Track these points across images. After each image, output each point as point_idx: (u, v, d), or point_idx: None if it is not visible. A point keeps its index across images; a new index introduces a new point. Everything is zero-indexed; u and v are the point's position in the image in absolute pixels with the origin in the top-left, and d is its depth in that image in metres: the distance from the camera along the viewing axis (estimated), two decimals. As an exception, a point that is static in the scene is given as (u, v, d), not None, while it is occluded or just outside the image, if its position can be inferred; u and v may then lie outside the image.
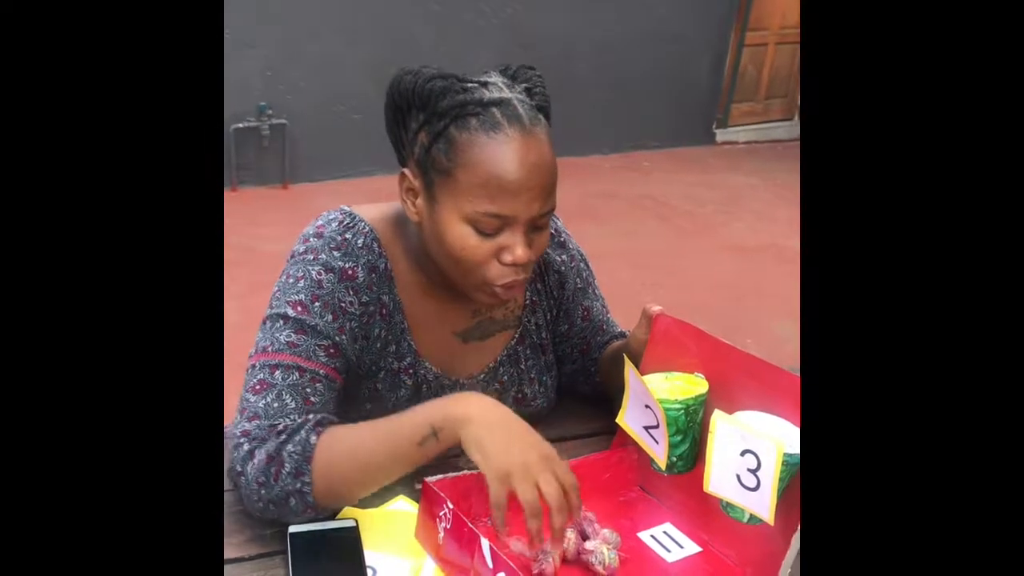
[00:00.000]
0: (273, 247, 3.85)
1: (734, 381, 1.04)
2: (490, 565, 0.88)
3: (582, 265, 1.32)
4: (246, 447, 1.02)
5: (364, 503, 1.09)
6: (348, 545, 1.00)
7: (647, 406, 1.05)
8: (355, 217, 1.15)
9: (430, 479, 1.00)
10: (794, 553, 0.97)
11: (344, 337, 1.10)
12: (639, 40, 6.08)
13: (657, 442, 1.06)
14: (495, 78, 1.07)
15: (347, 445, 1.03)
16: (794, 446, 0.94)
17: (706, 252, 4.58)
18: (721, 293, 4.01)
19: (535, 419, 1.31)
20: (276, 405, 1.04)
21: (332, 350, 1.09)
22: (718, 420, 0.98)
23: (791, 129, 7.25)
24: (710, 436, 0.98)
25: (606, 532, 1.03)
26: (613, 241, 4.45)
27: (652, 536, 1.08)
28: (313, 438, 1.01)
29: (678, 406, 1.04)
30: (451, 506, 0.94)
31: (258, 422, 1.03)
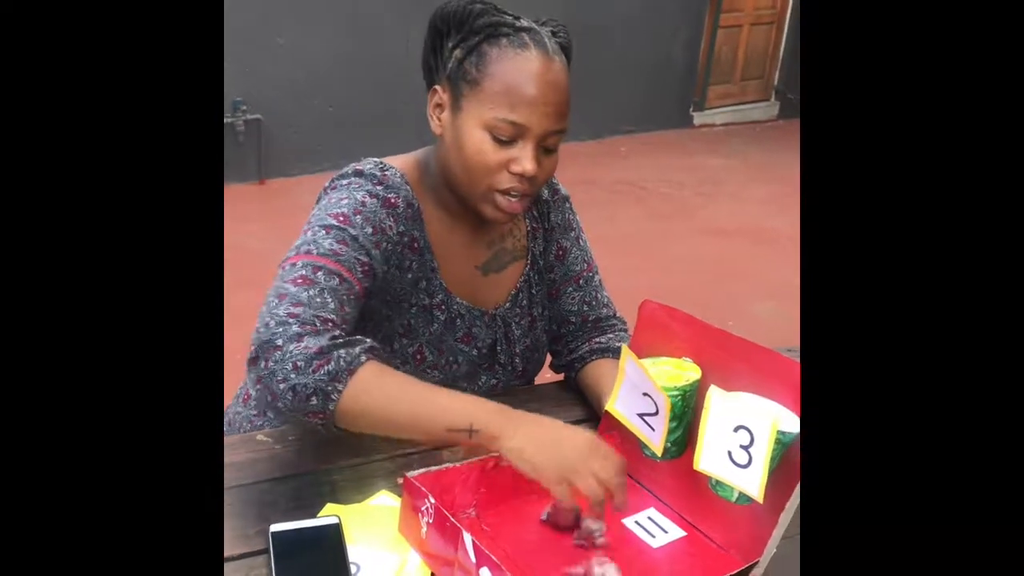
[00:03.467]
0: (254, 244, 3.82)
1: (723, 364, 1.04)
2: (473, 559, 0.87)
3: (567, 204, 1.42)
4: (295, 328, 1.02)
5: (345, 498, 1.08)
6: (331, 542, 0.99)
7: (645, 393, 1.04)
8: (386, 163, 1.24)
9: (411, 473, 0.99)
10: (780, 533, 0.97)
11: (378, 253, 1.17)
12: (614, 25, 6.07)
13: (654, 429, 1.06)
14: (525, 19, 1.18)
15: (388, 385, 1.04)
16: (787, 425, 0.94)
17: (685, 235, 4.59)
18: (701, 276, 4.02)
19: (540, 361, 1.43)
20: (319, 300, 1.06)
21: (367, 268, 1.15)
22: (714, 395, 0.98)
23: (768, 110, 7.27)
24: (704, 412, 0.98)
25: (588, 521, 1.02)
26: (592, 228, 4.40)
27: (636, 522, 1.08)
28: (364, 357, 1.03)
29: (676, 392, 1.04)
30: (433, 500, 0.94)
31: (304, 308, 1.04)
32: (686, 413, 1.06)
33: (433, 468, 1.02)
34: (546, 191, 1.39)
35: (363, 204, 1.17)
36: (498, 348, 1.34)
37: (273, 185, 5.04)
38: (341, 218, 1.15)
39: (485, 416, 1.01)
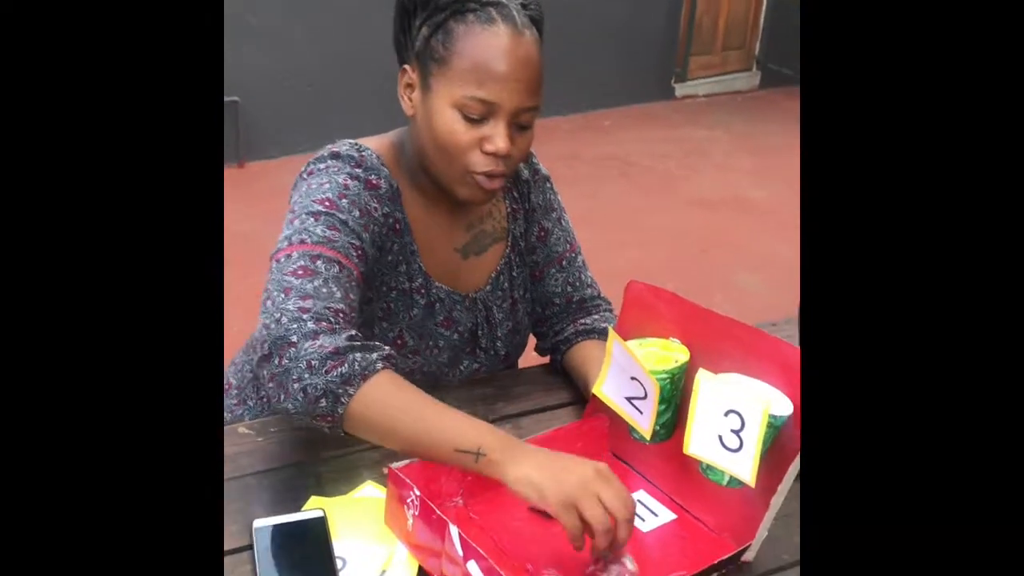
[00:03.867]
0: (235, 227, 3.77)
1: (711, 345, 1.02)
2: (460, 552, 0.86)
3: (547, 185, 1.39)
4: (310, 324, 0.98)
5: (330, 490, 1.06)
6: (316, 536, 0.98)
7: (633, 377, 1.02)
8: (361, 144, 1.21)
9: (395, 464, 0.97)
10: (772, 515, 0.96)
11: (368, 236, 1.14)
12: (592, -3, 6.01)
13: (642, 412, 1.04)
14: None
15: (401, 397, 0.99)
16: (777, 408, 0.93)
17: (670, 208, 4.57)
18: (686, 248, 4.00)
19: (522, 343, 1.40)
20: (325, 291, 1.03)
21: (361, 252, 1.12)
22: (702, 380, 0.96)
23: (749, 80, 7.24)
24: (693, 396, 0.96)
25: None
26: (577, 203, 4.39)
27: (627, 506, 1.06)
28: (380, 364, 0.99)
29: (665, 375, 1.02)
30: (418, 492, 0.92)
31: (314, 301, 1.01)
32: (675, 396, 1.04)
33: (418, 459, 1.00)
34: (526, 171, 1.36)
35: (346, 187, 1.15)
36: (479, 332, 1.32)
37: (253, 168, 4.98)
38: (327, 203, 1.12)
39: (494, 441, 0.95)
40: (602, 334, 1.31)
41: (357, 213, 1.13)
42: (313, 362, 0.96)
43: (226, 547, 0.98)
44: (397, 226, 1.22)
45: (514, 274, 1.35)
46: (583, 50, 6.08)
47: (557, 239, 1.37)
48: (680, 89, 6.87)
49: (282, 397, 0.98)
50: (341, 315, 1.02)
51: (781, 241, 3.96)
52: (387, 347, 1.02)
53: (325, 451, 1.14)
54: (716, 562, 0.94)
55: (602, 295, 1.39)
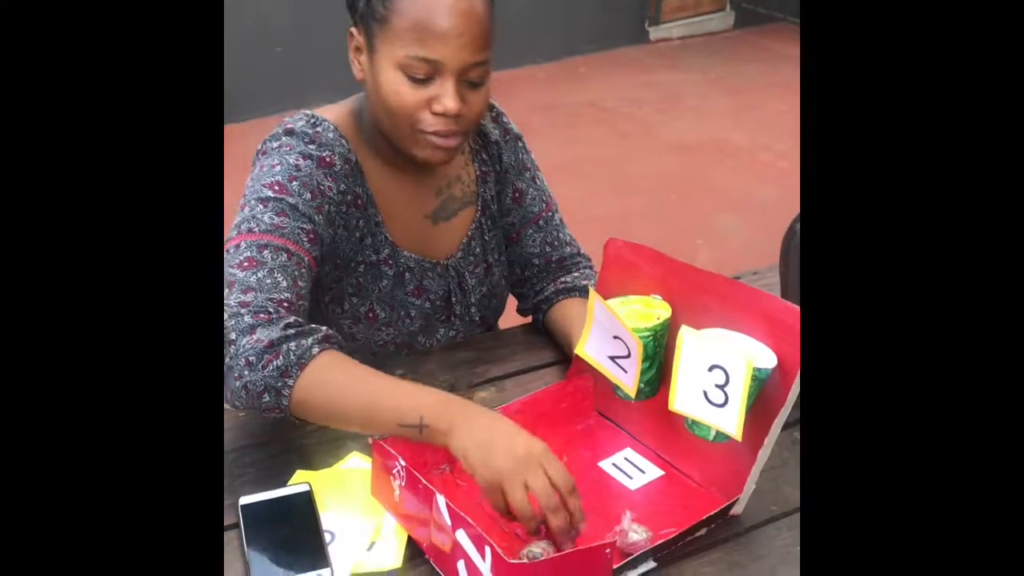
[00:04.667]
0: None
1: (693, 300, 1.01)
2: (448, 521, 0.85)
3: (519, 144, 1.34)
4: (248, 319, 0.99)
5: (315, 463, 1.06)
6: (303, 511, 0.97)
7: (616, 336, 1.01)
8: (318, 116, 1.18)
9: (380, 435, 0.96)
10: (759, 468, 0.95)
11: (321, 218, 1.12)
12: (562, -59, 5.91)
13: (626, 371, 1.03)
14: None
15: (339, 379, 0.99)
16: (761, 361, 0.92)
17: (648, 154, 4.53)
18: (666, 194, 3.98)
19: (499, 307, 1.38)
20: (269, 282, 1.03)
21: (312, 236, 1.10)
22: (685, 336, 0.95)
23: (724, 19, 7.16)
24: (677, 353, 0.96)
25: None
26: (555, 153, 4.37)
27: (613, 464, 1.06)
28: (316, 349, 0.99)
29: (647, 333, 1.01)
30: (403, 463, 0.91)
31: (255, 294, 1.01)
32: (658, 352, 1.03)
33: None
34: (496, 131, 1.32)
35: (298, 168, 1.11)
36: (453, 299, 1.30)
37: (225, 131, 4.91)
38: (277, 187, 1.09)
39: (435, 410, 0.94)
40: (583, 292, 1.30)
41: (308, 195, 1.11)
42: (251, 358, 0.97)
43: (213, 526, 0.97)
44: (359, 201, 1.19)
45: (486, 238, 1.33)
46: (555, -3, 6.00)
47: (532, 199, 1.34)
48: (654, 32, 6.79)
49: (228, 395, 0.99)
50: (284, 305, 1.02)
51: (761, 182, 3.95)
52: (324, 328, 1.02)
53: (309, 424, 1.13)
54: (705, 517, 0.94)
55: (582, 252, 1.38)
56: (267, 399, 0.97)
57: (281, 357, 0.97)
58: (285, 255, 1.06)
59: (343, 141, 1.17)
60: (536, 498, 0.87)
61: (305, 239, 1.09)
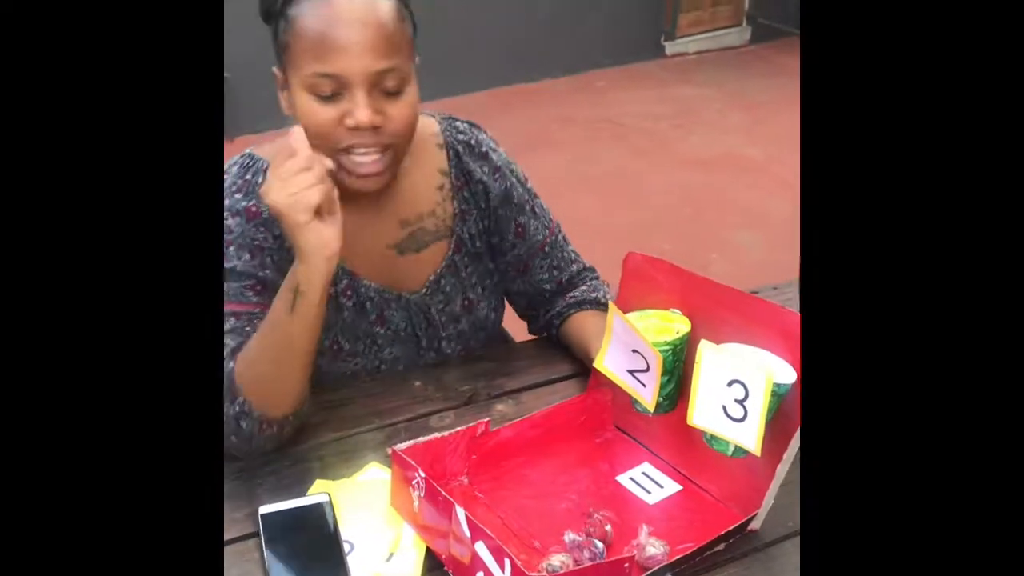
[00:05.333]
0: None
1: (712, 314, 1.01)
2: (467, 533, 0.86)
3: (513, 180, 1.29)
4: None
5: (335, 473, 1.06)
6: (322, 521, 0.98)
7: (635, 350, 1.02)
8: (254, 156, 1.17)
9: (399, 446, 0.97)
10: (777, 484, 0.95)
11: (268, 272, 1.12)
12: (580, -45, 5.94)
13: (645, 385, 1.03)
14: None
15: (252, 352, 1.05)
16: (781, 376, 0.92)
17: (664, 169, 4.54)
18: (682, 209, 3.98)
19: (489, 337, 1.36)
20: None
21: (259, 287, 1.11)
22: (705, 350, 0.95)
23: (740, 35, 7.16)
24: (696, 367, 0.96)
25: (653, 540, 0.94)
26: (572, 167, 4.40)
27: (631, 478, 1.06)
28: (231, 363, 1.05)
29: (666, 347, 1.01)
30: (423, 474, 0.91)
31: None
32: (677, 367, 1.04)
33: (421, 439, 1.00)
34: (480, 168, 1.26)
35: (230, 231, 1.11)
36: (418, 334, 1.28)
37: (243, 143, 4.93)
38: None
39: (292, 276, 1.00)
40: (593, 304, 1.30)
41: (248, 256, 1.11)
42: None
43: (233, 535, 0.98)
44: None
45: (463, 275, 1.28)
46: (573, 11, 6.02)
47: (535, 229, 1.30)
48: (670, 47, 6.81)
49: (242, 453, 1.09)
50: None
51: (776, 198, 3.95)
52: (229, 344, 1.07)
53: (328, 434, 1.14)
54: (723, 532, 0.94)
55: (587, 266, 1.36)
56: (245, 425, 1.05)
57: (225, 396, 1.04)
58: (232, 319, 1.09)
59: None
60: (290, 193, 0.95)
61: (251, 294, 1.11)
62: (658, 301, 1.07)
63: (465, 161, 1.26)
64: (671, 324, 1.04)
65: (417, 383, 1.25)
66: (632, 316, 1.06)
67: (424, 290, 1.26)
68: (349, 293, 1.21)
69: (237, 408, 1.04)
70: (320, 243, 0.97)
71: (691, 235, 3.63)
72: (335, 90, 1.03)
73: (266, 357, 1.04)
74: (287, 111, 1.10)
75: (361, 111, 1.03)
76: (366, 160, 1.07)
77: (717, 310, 1.01)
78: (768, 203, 3.91)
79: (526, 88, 5.61)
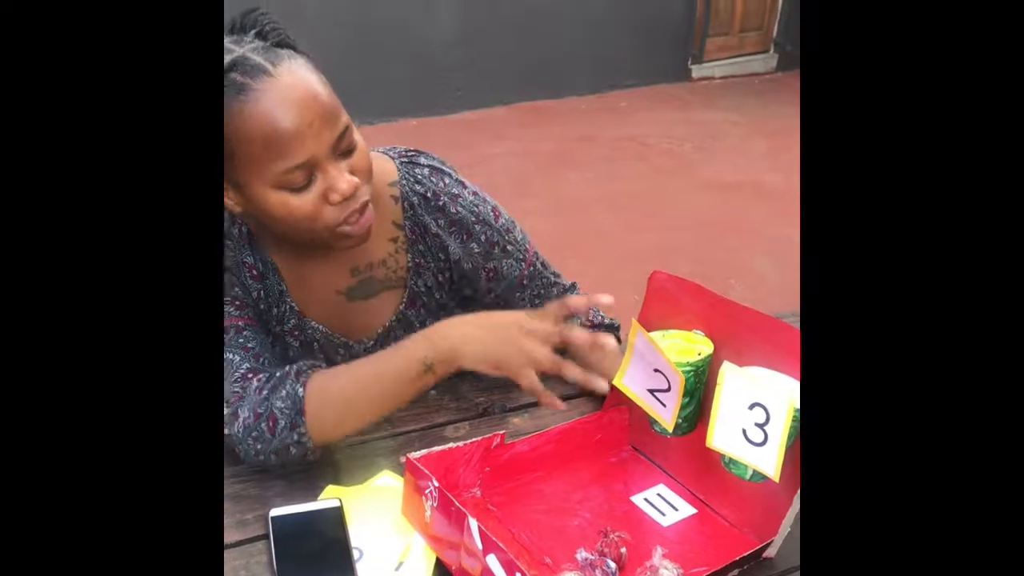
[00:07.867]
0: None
1: (735, 337, 1.00)
2: (479, 545, 0.84)
3: (476, 228, 1.21)
4: (226, 409, 1.04)
5: (347, 479, 1.05)
6: (332, 526, 0.97)
7: (656, 370, 1.01)
8: None
9: (413, 455, 0.96)
10: (795, 511, 0.94)
11: (238, 291, 1.14)
12: (610, -24, 5.97)
13: (665, 405, 1.02)
14: (226, 43, 1.00)
15: (337, 392, 1.04)
16: None
17: (686, 191, 4.54)
18: (702, 232, 3.97)
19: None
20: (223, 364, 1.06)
21: (238, 302, 1.13)
22: (727, 373, 0.94)
23: (767, 62, 7.17)
24: (717, 389, 0.95)
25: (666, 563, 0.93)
26: (593, 186, 4.40)
27: (646, 499, 1.05)
28: (300, 390, 1.03)
29: (689, 368, 1.00)
30: (436, 483, 0.90)
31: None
32: (698, 388, 1.02)
33: (436, 448, 0.99)
34: (436, 223, 1.20)
35: None
36: None
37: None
38: None
39: (432, 349, 1.02)
40: (607, 328, 1.31)
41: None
42: (253, 435, 1.04)
43: (243, 536, 0.97)
44: (253, 271, 1.16)
45: (416, 328, 1.18)
46: (600, 31, 6.04)
47: (510, 267, 1.24)
48: (697, 70, 6.82)
49: (266, 465, 1.07)
50: (249, 375, 1.07)
51: (796, 226, 3.92)
52: (289, 367, 1.06)
53: (341, 439, 1.13)
54: (738, 558, 0.92)
55: (567, 285, 1.32)
56: (295, 452, 1.04)
57: (280, 418, 1.02)
58: (232, 331, 1.10)
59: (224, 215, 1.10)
60: (539, 365, 1.00)
61: (232, 308, 1.12)
62: (681, 322, 1.06)
63: (420, 215, 1.20)
64: (693, 345, 1.03)
65: (432, 392, 1.24)
66: (654, 335, 1.04)
67: (371, 343, 1.25)
68: (296, 333, 1.22)
69: (296, 437, 1.03)
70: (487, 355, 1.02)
71: (711, 259, 3.62)
72: (307, 177, 1.00)
73: (358, 406, 1.05)
74: (236, 208, 1.05)
75: (342, 183, 1.01)
76: (356, 225, 1.06)
77: (741, 333, 1.00)
78: (789, 230, 3.89)
79: (550, 105, 5.62)
